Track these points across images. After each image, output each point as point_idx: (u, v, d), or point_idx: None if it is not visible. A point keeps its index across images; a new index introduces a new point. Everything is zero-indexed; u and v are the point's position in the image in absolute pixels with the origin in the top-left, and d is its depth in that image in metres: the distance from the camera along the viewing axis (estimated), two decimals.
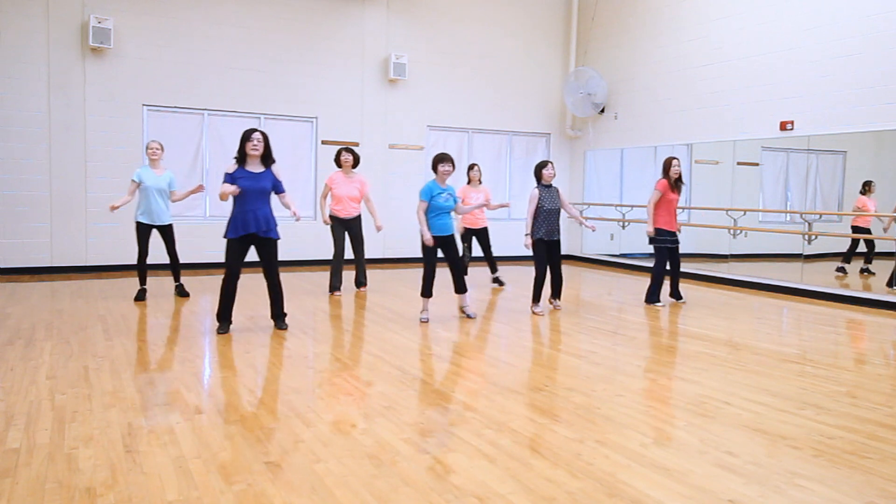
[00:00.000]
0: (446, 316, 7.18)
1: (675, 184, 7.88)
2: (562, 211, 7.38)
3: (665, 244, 7.89)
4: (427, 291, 6.77)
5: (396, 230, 11.41)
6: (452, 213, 6.88)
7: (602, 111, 12.33)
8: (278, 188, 6.05)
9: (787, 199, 10.10)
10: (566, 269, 11.98)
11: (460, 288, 6.92)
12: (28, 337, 5.71)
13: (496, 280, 9.39)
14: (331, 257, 8.46)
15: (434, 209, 6.68)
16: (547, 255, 7.27)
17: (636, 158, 12.12)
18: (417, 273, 10.45)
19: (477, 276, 10.04)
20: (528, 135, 13.00)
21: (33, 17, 9.30)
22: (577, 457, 3.34)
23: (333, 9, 11.18)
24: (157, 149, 7.52)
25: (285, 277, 9.68)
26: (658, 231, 7.89)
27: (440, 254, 6.80)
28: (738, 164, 10.23)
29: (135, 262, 9.68)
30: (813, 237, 8.99)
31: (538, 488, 2.98)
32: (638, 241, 11.78)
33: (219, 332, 5.98)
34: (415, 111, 11.85)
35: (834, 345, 6.41)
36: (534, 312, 7.30)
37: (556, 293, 7.58)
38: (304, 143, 11.09)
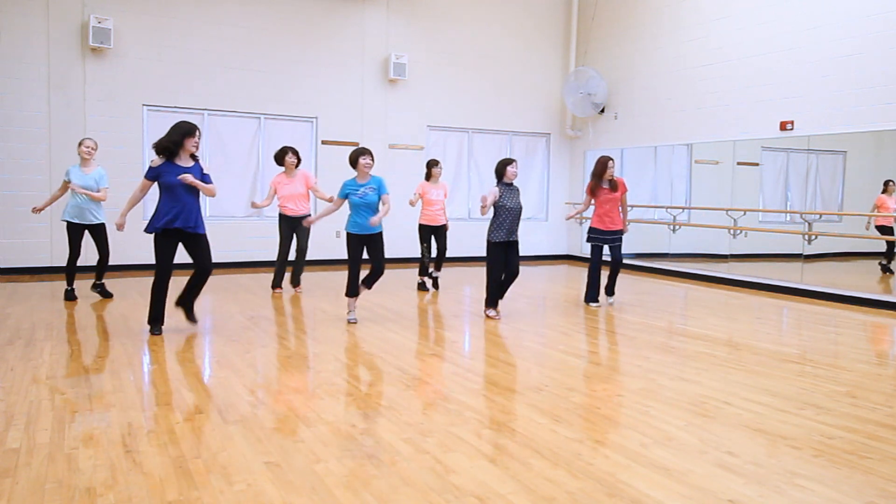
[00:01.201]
0: (446, 316, 7.18)
1: (609, 184, 7.73)
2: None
3: (596, 243, 7.87)
4: (352, 291, 6.54)
5: (393, 230, 11.38)
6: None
7: (602, 111, 12.33)
8: (206, 180, 5.96)
9: (787, 199, 10.10)
10: (566, 269, 11.98)
11: (367, 284, 6.58)
12: (28, 337, 5.71)
13: (433, 279, 9.00)
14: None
15: (353, 206, 6.41)
16: (504, 256, 6.90)
17: (636, 158, 12.12)
18: (416, 272, 10.45)
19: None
20: (528, 135, 13.00)
21: (33, 17, 9.30)
22: (577, 457, 3.34)
23: (333, 9, 11.18)
24: (91, 148, 7.38)
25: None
26: (592, 230, 7.86)
27: (365, 254, 6.52)
28: (738, 164, 10.23)
29: (135, 263, 9.78)
30: (813, 237, 8.99)
31: (538, 488, 2.98)
32: (637, 242, 11.79)
33: (153, 334, 5.84)
34: (415, 111, 11.85)
35: (834, 345, 6.40)
36: (488, 317, 6.96)
37: (500, 295, 7.14)
38: (304, 143, 11.08)
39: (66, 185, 7.33)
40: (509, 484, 3.01)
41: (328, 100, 11.19)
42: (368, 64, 11.42)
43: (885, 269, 9.01)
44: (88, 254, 9.72)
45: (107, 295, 7.81)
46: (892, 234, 8.73)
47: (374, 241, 6.50)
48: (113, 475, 3.02)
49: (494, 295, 7.00)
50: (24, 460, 3.16)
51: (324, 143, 11.20)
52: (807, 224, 9.07)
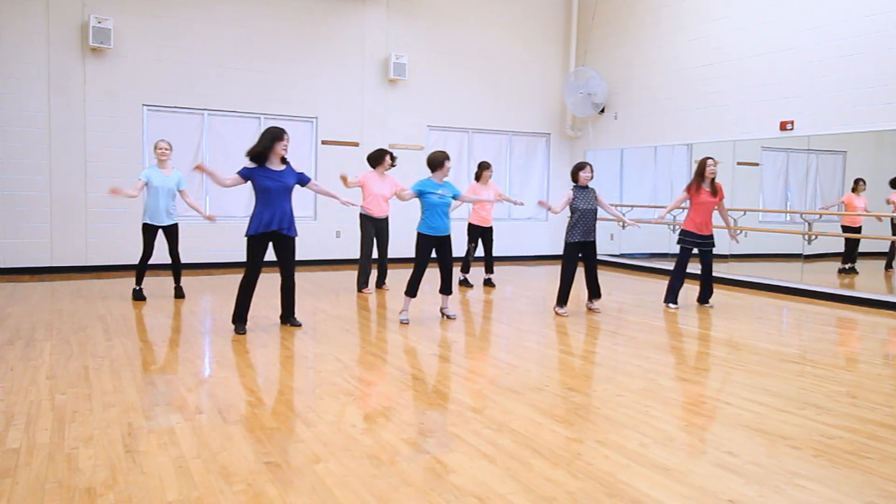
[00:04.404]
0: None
1: (710, 185, 7.60)
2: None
3: (689, 245, 7.75)
4: (412, 291, 6.62)
5: (394, 230, 11.38)
6: (454, 204, 6.84)
7: (602, 111, 12.33)
8: (304, 179, 6.16)
9: (787, 199, 10.10)
10: None
11: (446, 289, 6.78)
12: (28, 337, 5.71)
13: (488, 281, 9.37)
14: (358, 258, 8.76)
15: (428, 207, 6.55)
16: (578, 257, 7.28)
17: (636, 158, 12.12)
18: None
19: (476, 274, 10.03)
20: (528, 135, 13.00)
21: (33, 17, 9.30)
22: (577, 457, 3.34)
23: (333, 9, 11.18)
24: (166, 149, 7.42)
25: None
26: (683, 232, 7.80)
27: (433, 254, 6.66)
28: (738, 164, 10.23)
29: (136, 262, 9.76)
30: (813, 237, 8.99)
31: (538, 488, 2.98)
32: (638, 241, 11.79)
33: (237, 333, 5.95)
34: (415, 111, 11.85)
35: (834, 345, 6.41)
36: (557, 314, 7.27)
37: (595, 293, 7.52)
38: (304, 143, 11.09)
39: (142, 185, 7.30)
40: (509, 484, 3.01)
41: (328, 100, 11.19)
42: (368, 64, 11.42)
43: (850, 270, 9.18)
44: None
45: (181, 296, 7.73)
46: (858, 234, 8.85)
47: (445, 243, 6.65)
48: (113, 475, 3.02)
49: (565, 294, 7.27)
50: (24, 460, 3.16)
51: (324, 143, 11.19)
52: (807, 224, 9.07)
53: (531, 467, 3.20)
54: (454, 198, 6.71)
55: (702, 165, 7.62)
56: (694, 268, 8.10)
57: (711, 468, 3.24)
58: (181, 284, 7.84)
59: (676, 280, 7.89)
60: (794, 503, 2.91)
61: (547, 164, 13.22)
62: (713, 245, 7.80)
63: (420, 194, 6.56)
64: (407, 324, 6.57)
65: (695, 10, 10.60)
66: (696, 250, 7.81)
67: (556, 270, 11.74)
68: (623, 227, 7.43)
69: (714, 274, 10.17)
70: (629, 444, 3.53)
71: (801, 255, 9.17)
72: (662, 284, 10.00)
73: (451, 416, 3.93)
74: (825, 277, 9.03)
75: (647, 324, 6.92)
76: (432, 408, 4.10)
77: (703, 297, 8.02)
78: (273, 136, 5.89)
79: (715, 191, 7.62)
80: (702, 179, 7.59)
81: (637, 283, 10.22)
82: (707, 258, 7.80)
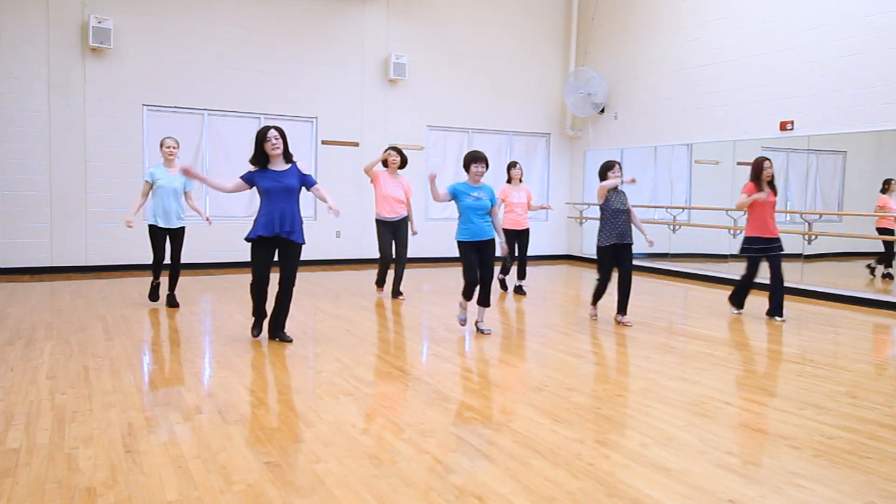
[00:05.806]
0: (446, 316, 7.18)
1: (769, 186, 7.09)
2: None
3: (757, 253, 7.19)
4: (468, 294, 6.18)
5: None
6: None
7: (602, 111, 12.33)
8: (308, 182, 5.66)
9: (787, 199, 10.10)
10: (566, 269, 11.98)
11: (483, 301, 6.23)
12: (28, 337, 5.71)
13: (519, 288, 8.81)
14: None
15: (463, 210, 6.05)
16: (615, 260, 6.80)
17: (636, 158, 12.11)
18: (418, 273, 10.43)
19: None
20: (528, 135, 13.00)
21: (33, 17, 9.30)
22: (577, 457, 3.34)
23: (333, 9, 11.18)
24: (173, 147, 7.07)
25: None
26: (749, 240, 7.21)
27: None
28: (738, 164, 10.21)
29: (136, 262, 9.77)
30: (813, 237, 8.99)
31: (538, 488, 2.98)
32: (637, 242, 11.75)
33: (252, 336, 5.80)
34: (415, 111, 11.85)
35: (834, 345, 6.40)
36: (591, 316, 7.08)
37: (621, 307, 6.89)
38: (304, 144, 11.09)
39: (148, 188, 6.98)
40: (509, 484, 3.01)
41: (328, 100, 11.19)
42: (368, 64, 11.42)
43: (887, 276, 8.86)
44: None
45: (174, 305, 7.24)
46: (893, 236, 8.71)
47: (486, 247, 6.10)
48: (113, 475, 3.01)
49: (598, 295, 6.98)
50: (24, 460, 3.16)
51: (324, 143, 11.20)
52: (807, 224, 9.06)
53: (531, 467, 3.20)
54: (491, 205, 6.16)
55: (758, 167, 7.07)
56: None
57: (711, 468, 3.24)
58: (175, 293, 7.30)
59: (743, 287, 7.45)
60: (794, 503, 2.91)
61: (547, 164, 13.22)
62: (782, 248, 7.21)
63: (454, 195, 6.06)
64: (464, 324, 6.37)
65: (695, 10, 10.60)
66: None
67: (555, 270, 11.76)
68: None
69: (714, 274, 10.22)
70: (629, 444, 3.53)
71: (801, 255, 9.17)
72: (662, 284, 10.00)
73: (451, 416, 3.93)
74: (825, 277, 9.02)
75: (647, 324, 6.92)
76: (432, 408, 4.10)
77: (774, 310, 7.27)
78: (258, 139, 5.61)
79: (775, 190, 7.21)
80: (759, 181, 7.12)
81: (637, 283, 10.19)
82: (776, 262, 7.15)
